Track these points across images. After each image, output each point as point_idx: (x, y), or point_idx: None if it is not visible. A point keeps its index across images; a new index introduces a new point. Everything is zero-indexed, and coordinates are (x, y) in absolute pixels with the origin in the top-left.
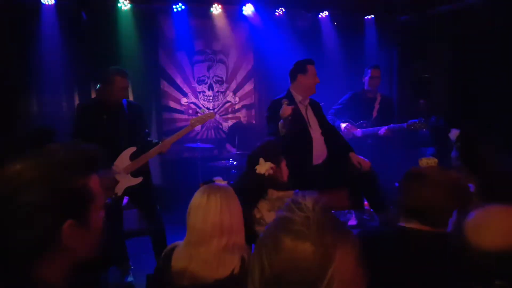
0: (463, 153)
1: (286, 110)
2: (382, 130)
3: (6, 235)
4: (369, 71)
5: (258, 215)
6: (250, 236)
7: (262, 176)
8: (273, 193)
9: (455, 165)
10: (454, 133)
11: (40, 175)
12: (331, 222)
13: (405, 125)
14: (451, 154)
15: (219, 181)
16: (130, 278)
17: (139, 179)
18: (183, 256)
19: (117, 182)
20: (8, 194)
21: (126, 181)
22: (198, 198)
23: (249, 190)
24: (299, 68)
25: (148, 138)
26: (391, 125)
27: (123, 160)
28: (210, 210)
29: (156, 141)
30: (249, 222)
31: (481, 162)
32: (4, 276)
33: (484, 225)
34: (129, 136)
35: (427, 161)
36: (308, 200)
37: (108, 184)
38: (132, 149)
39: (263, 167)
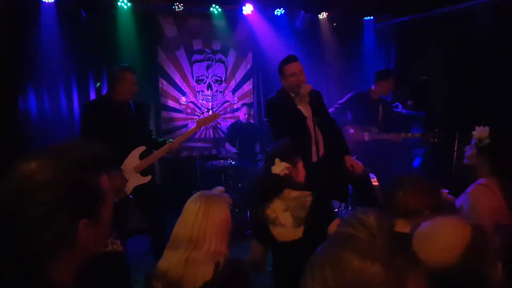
0: (491, 148)
1: (307, 87)
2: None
3: (23, 236)
4: (390, 78)
5: (273, 215)
6: (265, 237)
7: (277, 176)
8: (289, 193)
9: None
10: (481, 131)
11: (56, 174)
12: (399, 243)
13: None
14: (465, 153)
15: (217, 190)
16: None
17: (148, 178)
18: (164, 257)
19: (127, 181)
20: (24, 194)
21: (136, 180)
22: (185, 205)
23: (265, 190)
24: (279, 70)
25: (153, 137)
26: (403, 134)
27: (133, 159)
28: (185, 214)
29: (162, 139)
30: (264, 222)
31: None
32: (17, 277)
33: (429, 240)
34: (137, 134)
35: None
36: (371, 217)
37: (119, 184)
38: (142, 148)
39: (279, 167)
